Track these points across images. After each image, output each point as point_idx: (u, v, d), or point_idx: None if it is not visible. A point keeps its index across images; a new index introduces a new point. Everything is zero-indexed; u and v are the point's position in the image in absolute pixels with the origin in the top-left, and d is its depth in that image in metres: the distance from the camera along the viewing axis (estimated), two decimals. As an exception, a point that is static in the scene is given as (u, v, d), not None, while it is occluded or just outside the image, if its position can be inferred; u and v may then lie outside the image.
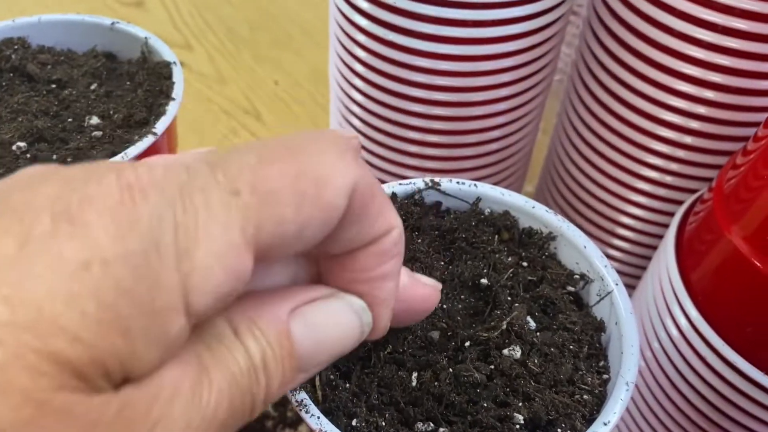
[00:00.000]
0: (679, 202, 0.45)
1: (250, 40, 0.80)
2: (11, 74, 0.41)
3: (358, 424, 0.26)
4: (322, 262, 0.21)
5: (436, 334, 0.29)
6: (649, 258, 0.50)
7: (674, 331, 0.38)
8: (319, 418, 0.25)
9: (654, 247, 0.49)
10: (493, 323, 0.30)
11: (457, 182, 0.35)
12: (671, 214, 0.46)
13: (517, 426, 0.27)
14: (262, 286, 0.20)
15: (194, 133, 0.68)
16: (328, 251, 0.20)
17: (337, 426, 0.25)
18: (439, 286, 0.26)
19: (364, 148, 0.50)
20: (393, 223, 0.21)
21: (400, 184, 0.35)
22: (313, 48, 0.79)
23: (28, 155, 0.36)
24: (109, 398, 0.15)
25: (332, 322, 0.20)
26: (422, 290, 0.25)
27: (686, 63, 0.39)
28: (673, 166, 0.44)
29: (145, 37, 0.43)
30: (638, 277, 0.50)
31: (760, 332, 0.34)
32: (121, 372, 0.15)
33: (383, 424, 0.27)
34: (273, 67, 0.77)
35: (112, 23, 0.43)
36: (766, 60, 0.37)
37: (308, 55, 0.78)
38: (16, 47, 0.42)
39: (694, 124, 0.41)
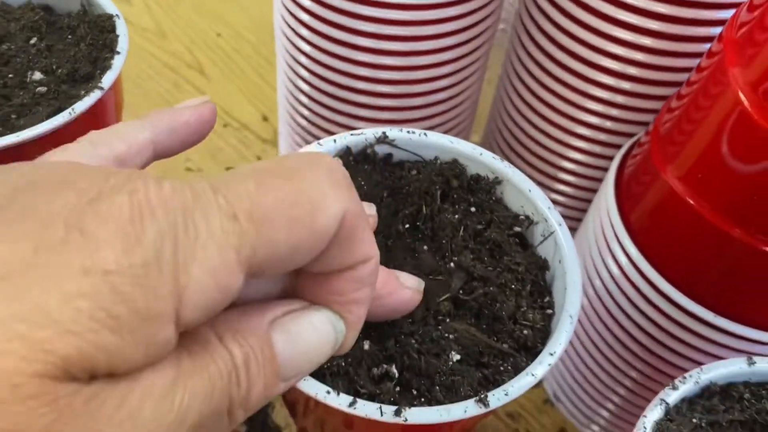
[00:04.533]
0: (619, 147, 0.47)
1: (191, -8, 0.78)
2: (-56, 29, 0.39)
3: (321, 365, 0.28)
4: (300, 277, 0.23)
5: None
6: (590, 201, 0.52)
7: (615, 269, 0.40)
8: None
9: (595, 190, 0.51)
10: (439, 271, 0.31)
11: (408, 131, 0.36)
12: (612, 158, 0.48)
13: (454, 361, 0.28)
14: (245, 297, 0.22)
15: (137, 88, 0.67)
16: (308, 269, 0.21)
17: None
18: (422, 287, 0.29)
19: (313, 99, 0.50)
20: (371, 253, 0.22)
21: (351, 134, 0.35)
22: (254, -1, 0.78)
23: (-30, 113, 0.35)
24: (79, 388, 0.16)
25: (309, 331, 0.22)
26: (404, 295, 0.27)
27: (624, 11, 0.40)
28: (613, 112, 0.45)
29: (86, -9, 0.42)
30: (581, 219, 0.52)
31: (695, 266, 0.37)
32: (107, 368, 0.16)
33: (343, 364, 0.28)
34: (214, 19, 0.75)
35: (49, -25, 0.42)
36: (701, 7, 0.39)
37: (249, 6, 0.77)
38: (-53, 0, 0.40)
39: (632, 71, 0.43)
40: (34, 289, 0.15)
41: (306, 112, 0.52)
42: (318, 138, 0.52)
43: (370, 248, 0.22)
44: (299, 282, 0.23)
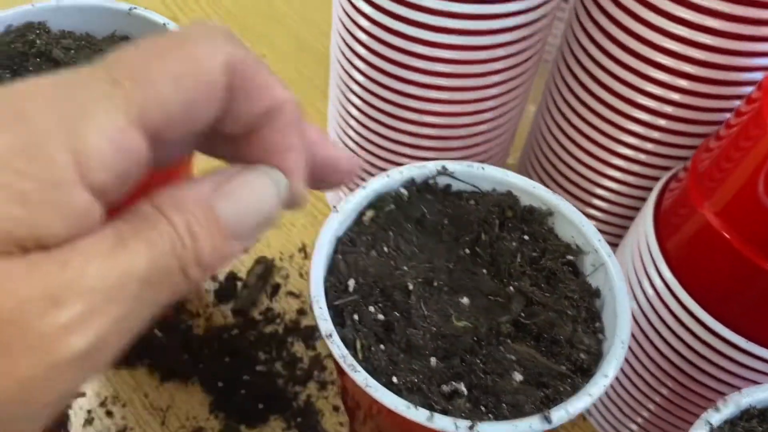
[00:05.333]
0: (652, 178, 0.50)
1: (235, 13, 0.82)
2: (38, 59, 0.43)
3: (397, 381, 0.31)
4: (230, 145, 0.24)
5: (460, 324, 0.33)
6: (620, 226, 0.55)
7: (650, 291, 0.44)
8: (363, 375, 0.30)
9: (626, 217, 0.54)
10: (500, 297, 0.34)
11: (467, 165, 0.39)
12: (643, 188, 0.51)
13: (517, 381, 0.31)
14: (169, 160, 0.23)
15: (185, 105, 0.70)
16: (233, 132, 0.22)
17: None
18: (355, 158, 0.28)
19: (364, 126, 0.53)
20: (282, 95, 0.23)
21: (415, 167, 0.38)
22: (296, 19, 0.82)
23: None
24: (18, 260, 0.17)
25: (246, 187, 0.23)
26: (335, 150, 0.27)
27: (661, 54, 0.44)
28: (648, 146, 0.48)
29: (164, 23, 0.45)
30: (611, 244, 0.55)
31: (727, 294, 0.40)
32: (32, 239, 0.18)
33: (415, 380, 0.31)
34: (259, 40, 0.79)
35: (130, 9, 0.45)
36: (736, 54, 0.42)
37: (293, 28, 0.80)
38: (38, 32, 0.44)
39: (668, 109, 0.46)
40: None
41: (354, 135, 0.55)
42: (359, 156, 0.56)
43: (280, 91, 0.22)
44: (231, 151, 0.24)
